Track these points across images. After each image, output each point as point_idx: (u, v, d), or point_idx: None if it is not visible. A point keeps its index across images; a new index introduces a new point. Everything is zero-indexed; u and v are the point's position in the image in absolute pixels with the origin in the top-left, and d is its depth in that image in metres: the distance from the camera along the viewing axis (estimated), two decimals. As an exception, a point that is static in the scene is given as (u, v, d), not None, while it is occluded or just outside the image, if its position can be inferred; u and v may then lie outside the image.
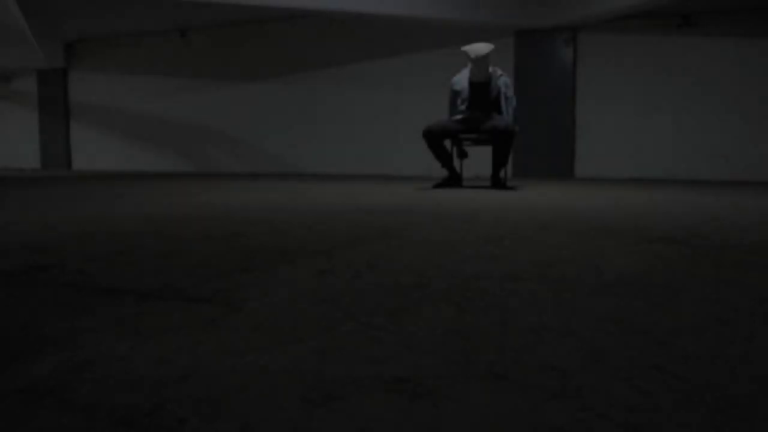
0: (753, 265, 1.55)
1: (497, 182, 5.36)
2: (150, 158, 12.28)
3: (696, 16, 8.21)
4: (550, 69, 8.93)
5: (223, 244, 1.89)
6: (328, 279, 1.36)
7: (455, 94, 5.63)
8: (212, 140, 11.69)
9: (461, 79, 5.50)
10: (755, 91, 8.18)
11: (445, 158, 5.43)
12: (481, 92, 5.37)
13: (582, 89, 8.95)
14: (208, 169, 11.74)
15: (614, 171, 8.86)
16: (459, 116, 5.43)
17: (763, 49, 8.10)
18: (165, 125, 12.09)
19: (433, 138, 5.27)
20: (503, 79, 5.43)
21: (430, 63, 9.56)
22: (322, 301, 1.15)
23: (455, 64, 8.49)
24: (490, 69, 5.38)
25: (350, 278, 1.37)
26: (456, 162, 5.67)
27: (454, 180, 5.56)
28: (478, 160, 8.61)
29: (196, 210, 3.12)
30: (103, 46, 12.62)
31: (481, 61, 5.17)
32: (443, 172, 5.76)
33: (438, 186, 5.47)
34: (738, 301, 1.14)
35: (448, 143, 5.51)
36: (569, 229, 2.31)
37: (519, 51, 9.06)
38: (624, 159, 8.85)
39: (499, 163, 5.29)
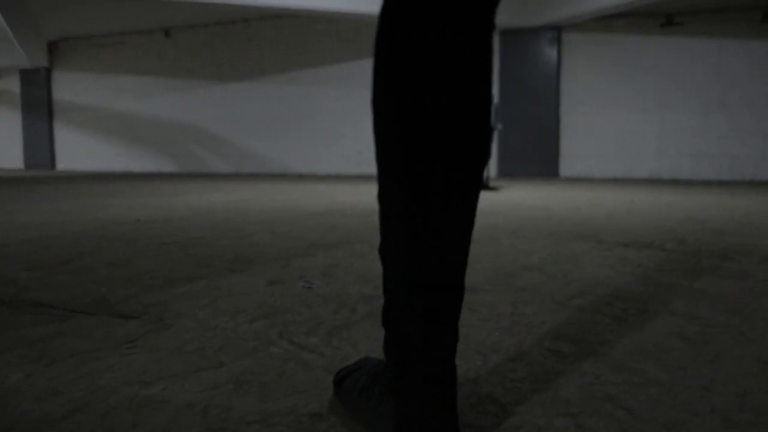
0: (728, 272, 1.48)
1: (480, 183, 5.30)
2: (134, 158, 12.12)
3: (679, 16, 8.18)
4: (534, 68, 8.88)
5: (178, 251, 1.80)
6: (276, 291, 1.27)
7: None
8: (197, 140, 11.55)
9: None
10: (737, 90, 8.17)
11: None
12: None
13: (566, 89, 8.90)
14: (193, 169, 11.60)
15: (599, 171, 8.82)
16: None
17: (746, 48, 8.08)
18: (149, 125, 11.93)
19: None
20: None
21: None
22: (261, 317, 1.06)
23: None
24: None
25: (300, 290, 1.28)
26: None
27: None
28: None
29: (164, 212, 3.02)
30: (86, 46, 12.44)
31: None
32: None
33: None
34: (709, 316, 1.06)
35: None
36: (542, 232, 2.23)
37: (503, 50, 9.00)
38: (609, 159, 8.81)
39: (481, 163, 5.23)
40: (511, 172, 9.04)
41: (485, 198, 4.12)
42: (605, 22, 8.51)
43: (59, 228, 2.38)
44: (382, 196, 0.59)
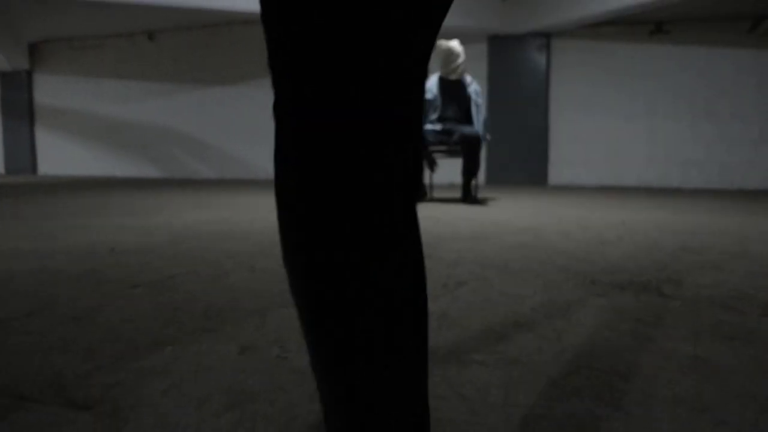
0: (731, 330, 1.39)
1: (467, 195, 5.21)
2: (117, 163, 11.93)
3: (668, 24, 8.16)
4: (523, 75, 8.82)
5: (148, 298, 1.69)
6: (248, 364, 1.17)
7: (426, 102, 5.49)
8: (180, 144, 11.38)
9: (432, 87, 5.38)
10: (726, 99, 8.16)
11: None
12: (453, 100, 5.24)
13: (555, 95, 8.86)
14: (176, 174, 11.43)
15: (587, 178, 8.78)
16: (431, 126, 5.28)
17: (733, 57, 8.07)
18: (132, 129, 11.75)
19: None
20: (474, 87, 5.29)
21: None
22: (229, 407, 0.96)
23: (430, 68, 8.31)
24: (461, 69, 5.26)
25: (274, 361, 1.18)
26: (425, 173, 5.53)
27: (421, 192, 5.40)
28: (452, 167, 8.48)
29: (140, 238, 2.90)
30: (68, 48, 12.22)
31: (451, 54, 5.07)
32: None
33: (407, 200, 5.32)
34: (718, 402, 0.97)
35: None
36: (533, 268, 2.15)
37: (492, 56, 8.93)
38: (597, 166, 8.78)
39: (468, 173, 5.16)
40: (499, 179, 8.98)
41: (473, 216, 4.03)
42: (594, 29, 8.48)
43: (25, 262, 2.26)
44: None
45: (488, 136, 5.35)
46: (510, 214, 4.31)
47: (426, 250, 2.62)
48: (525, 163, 8.83)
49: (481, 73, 9.02)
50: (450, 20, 8.41)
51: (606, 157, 8.75)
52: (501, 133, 8.82)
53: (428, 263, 2.28)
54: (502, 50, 8.87)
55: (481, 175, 8.93)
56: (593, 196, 6.46)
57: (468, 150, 5.04)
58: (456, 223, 3.73)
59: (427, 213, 4.40)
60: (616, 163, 8.71)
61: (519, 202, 5.51)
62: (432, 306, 1.62)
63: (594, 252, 2.55)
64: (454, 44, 5.13)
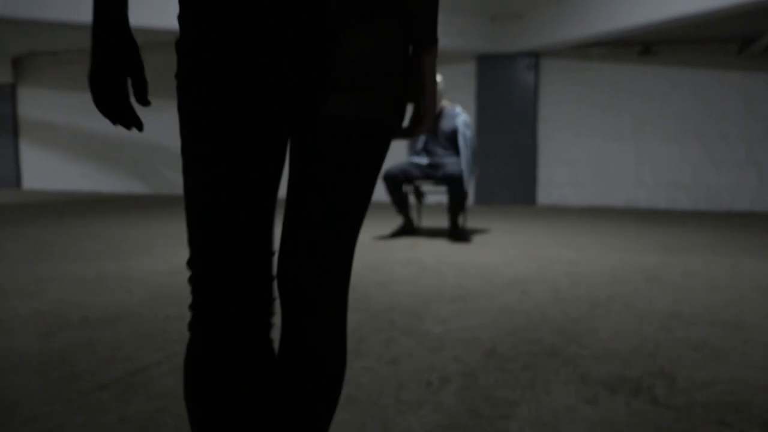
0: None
1: (454, 231, 5.14)
2: (103, 178, 11.78)
3: (657, 45, 8.14)
4: (511, 94, 8.77)
5: (111, 409, 1.60)
6: None
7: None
8: (167, 160, 11.25)
9: None
10: (714, 120, 8.16)
11: (402, 204, 5.19)
12: (439, 131, 5.18)
13: (544, 115, 8.82)
14: (163, 191, 11.30)
15: (576, 199, 8.75)
16: (417, 159, 5.22)
17: (721, 79, 8.07)
18: (118, 144, 11.61)
19: (394, 183, 5.05)
20: (462, 118, 5.22)
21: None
22: None
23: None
24: (444, 103, 5.20)
25: None
26: (412, 200, 5.46)
27: (409, 228, 5.33)
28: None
29: (119, 295, 2.80)
30: (53, 62, 12.06)
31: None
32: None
33: (395, 235, 5.24)
34: None
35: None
36: (511, 355, 2.07)
37: (481, 75, 8.88)
38: (585, 187, 8.74)
39: (454, 209, 5.08)
40: (488, 199, 8.93)
41: (459, 260, 3.93)
42: (584, 49, 8.45)
43: (-8, 345, 2.15)
44: None
45: (477, 170, 5.29)
46: (497, 256, 4.24)
47: (411, 320, 2.54)
48: (514, 183, 8.78)
49: (469, 92, 8.97)
50: (440, 41, 8.35)
51: (594, 178, 8.72)
52: (490, 153, 8.77)
53: (412, 342, 2.21)
54: (491, 69, 8.82)
55: (470, 195, 8.87)
56: (582, 224, 6.41)
57: (452, 188, 4.96)
58: (442, 271, 3.66)
59: (413, 255, 4.32)
60: (604, 184, 8.68)
61: (507, 235, 5.45)
62: (412, 419, 1.54)
63: (583, 322, 2.48)
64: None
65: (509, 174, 8.74)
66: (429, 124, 0.91)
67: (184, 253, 4.28)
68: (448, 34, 8.33)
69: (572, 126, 8.74)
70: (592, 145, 8.69)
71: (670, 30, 7.40)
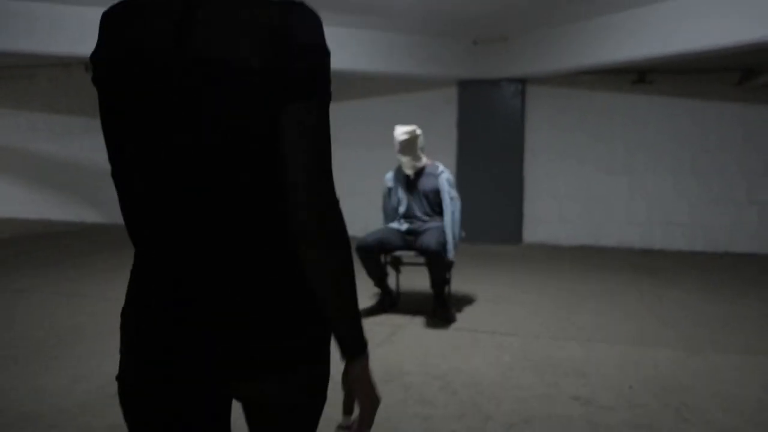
0: None
1: (438, 309, 4.48)
2: (54, 205, 10.86)
3: (652, 74, 7.57)
4: (496, 123, 8.12)
5: None
6: None
7: (389, 191, 4.77)
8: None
9: (388, 181, 4.71)
10: (711, 155, 7.62)
11: (379, 276, 4.52)
12: (418, 192, 4.53)
13: (531, 146, 8.19)
14: (120, 219, 10.43)
15: (564, 237, 8.15)
16: (396, 225, 4.56)
17: (718, 111, 7.53)
18: (70, 168, 10.70)
19: (368, 253, 4.34)
20: (446, 176, 4.57)
21: (370, 114, 8.59)
22: None
23: (395, 113, 7.60)
24: (425, 160, 4.56)
25: None
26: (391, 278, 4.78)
27: (387, 302, 4.65)
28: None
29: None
30: (-4, 77, 11.08)
31: (405, 145, 4.34)
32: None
33: (371, 313, 4.53)
34: None
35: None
36: None
37: (462, 102, 8.22)
38: (574, 224, 8.15)
39: (435, 285, 4.43)
40: (470, 237, 8.25)
41: (442, 367, 3.20)
42: (574, 76, 7.82)
43: None
44: None
45: (463, 234, 4.64)
46: (488, 361, 3.59)
47: None
48: (499, 218, 8.13)
49: (450, 120, 8.30)
50: (419, 67, 7.68)
51: (584, 214, 8.13)
52: (472, 186, 8.05)
53: None
54: (474, 95, 8.16)
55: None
56: (576, 276, 5.82)
57: (432, 263, 4.29)
58: (421, 388, 2.99)
59: (392, 357, 3.63)
60: (594, 221, 8.10)
61: (494, 310, 4.81)
62: None
63: None
64: (412, 130, 4.39)
65: (494, 211, 8.07)
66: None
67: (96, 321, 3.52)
68: (429, 60, 7.65)
69: (561, 158, 8.14)
70: (582, 179, 8.10)
71: (665, 61, 6.82)
